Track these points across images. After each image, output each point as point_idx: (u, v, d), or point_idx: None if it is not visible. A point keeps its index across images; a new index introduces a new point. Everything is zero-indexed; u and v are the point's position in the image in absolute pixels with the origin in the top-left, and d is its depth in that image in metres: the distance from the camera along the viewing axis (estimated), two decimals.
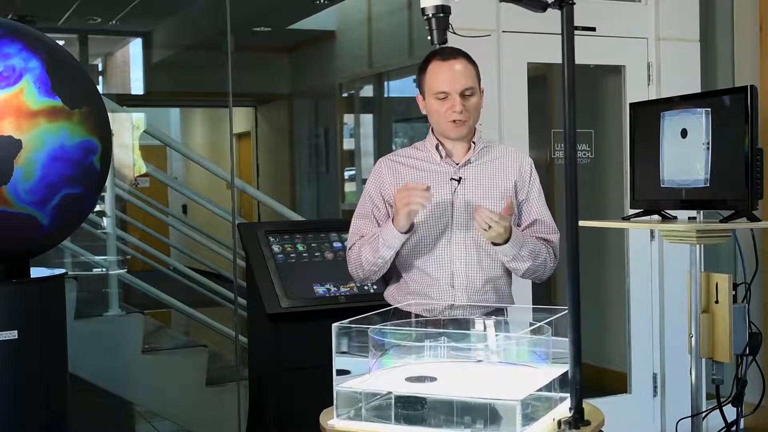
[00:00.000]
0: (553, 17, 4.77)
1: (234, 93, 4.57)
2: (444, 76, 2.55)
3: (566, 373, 1.90)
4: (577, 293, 1.91)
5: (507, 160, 2.67)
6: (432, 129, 2.67)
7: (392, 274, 2.68)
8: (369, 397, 1.89)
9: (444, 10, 2.25)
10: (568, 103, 1.94)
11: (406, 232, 2.50)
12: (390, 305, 2.62)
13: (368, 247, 2.57)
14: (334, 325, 1.94)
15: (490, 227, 2.42)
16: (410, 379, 1.84)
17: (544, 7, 2.15)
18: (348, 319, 1.99)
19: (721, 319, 3.00)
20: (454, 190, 2.59)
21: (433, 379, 1.85)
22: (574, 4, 1.99)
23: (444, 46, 2.35)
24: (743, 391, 3.06)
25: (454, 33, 2.25)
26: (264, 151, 10.24)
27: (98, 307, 4.95)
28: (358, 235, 2.65)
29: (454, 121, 2.55)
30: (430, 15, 2.25)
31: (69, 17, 7.21)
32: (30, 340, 2.74)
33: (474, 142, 2.63)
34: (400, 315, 2.50)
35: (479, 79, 2.62)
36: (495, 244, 2.51)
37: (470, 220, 2.57)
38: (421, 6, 2.27)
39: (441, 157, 2.63)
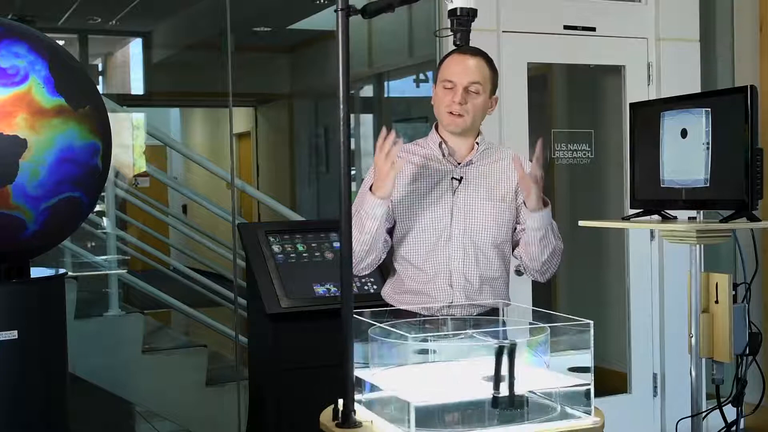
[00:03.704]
0: (552, 18, 4.76)
1: (234, 93, 4.57)
2: (455, 67, 2.58)
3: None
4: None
5: (509, 162, 2.66)
6: (435, 126, 2.67)
7: (390, 270, 2.68)
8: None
9: (471, 14, 2.26)
10: (344, 110, 2.00)
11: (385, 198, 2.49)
12: (387, 303, 2.62)
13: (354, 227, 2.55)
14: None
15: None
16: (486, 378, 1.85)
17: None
18: (367, 310, 2.00)
19: (721, 319, 3.00)
20: (455, 190, 2.59)
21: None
22: (351, 15, 2.05)
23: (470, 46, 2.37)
24: (743, 391, 3.06)
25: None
26: (264, 151, 10.24)
27: (98, 307, 4.95)
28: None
29: (450, 112, 2.56)
30: (458, 15, 2.26)
31: (69, 17, 7.21)
32: (30, 340, 2.73)
33: (477, 143, 2.64)
34: (398, 314, 2.49)
35: (494, 86, 2.62)
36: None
37: (469, 220, 2.57)
38: (450, 7, 2.27)
39: (443, 155, 2.63)
